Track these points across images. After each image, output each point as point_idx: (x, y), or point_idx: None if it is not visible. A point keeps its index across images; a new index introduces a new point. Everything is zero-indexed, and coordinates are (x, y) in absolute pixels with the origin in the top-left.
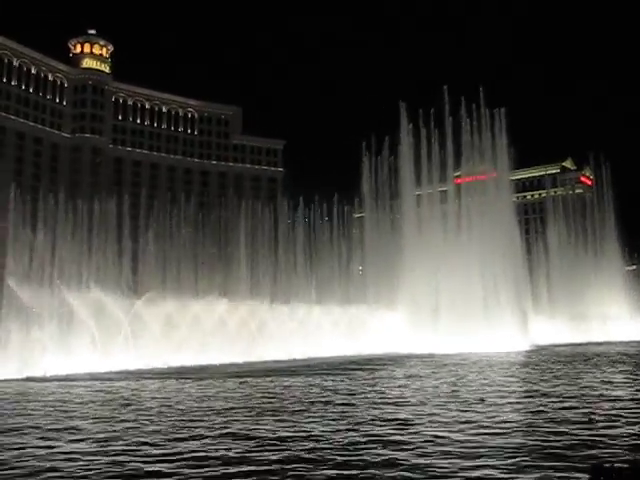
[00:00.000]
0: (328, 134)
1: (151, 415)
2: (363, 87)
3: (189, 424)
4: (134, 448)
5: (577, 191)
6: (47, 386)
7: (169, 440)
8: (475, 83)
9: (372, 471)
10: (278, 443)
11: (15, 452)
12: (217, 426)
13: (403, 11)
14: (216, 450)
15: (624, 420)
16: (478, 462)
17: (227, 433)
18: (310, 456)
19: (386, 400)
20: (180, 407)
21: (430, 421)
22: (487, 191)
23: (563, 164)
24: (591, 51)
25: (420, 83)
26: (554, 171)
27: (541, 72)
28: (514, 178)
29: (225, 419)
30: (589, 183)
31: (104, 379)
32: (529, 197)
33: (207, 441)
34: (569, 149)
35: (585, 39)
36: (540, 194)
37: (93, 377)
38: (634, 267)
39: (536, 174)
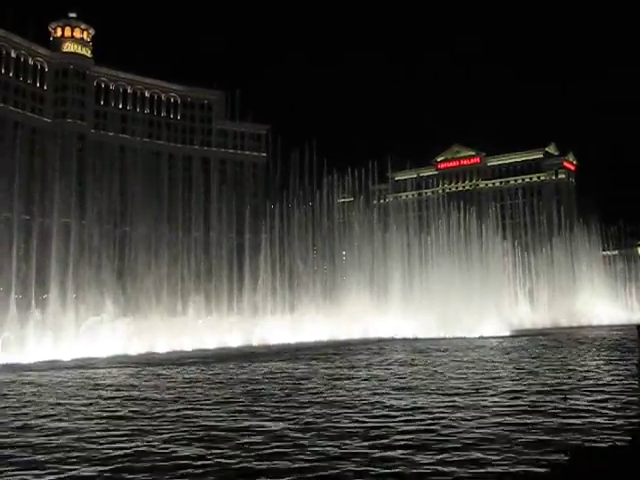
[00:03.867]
0: (314, 119)
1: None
2: (350, 71)
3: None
4: None
5: (560, 176)
6: None
7: None
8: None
9: None
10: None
11: None
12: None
13: None
14: None
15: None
16: None
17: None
18: None
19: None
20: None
21: None
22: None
23: (546, 149)
24: (577, 36)
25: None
26: (537, 156)
27: (525, 57)
28: (497, 163)
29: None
30: (572, 168)
31: None
32: (512, 182)
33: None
34: (553, 134)
35: (571, 24)
36: (523, 179)
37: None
38: (616, 252)
39: (519, 159)
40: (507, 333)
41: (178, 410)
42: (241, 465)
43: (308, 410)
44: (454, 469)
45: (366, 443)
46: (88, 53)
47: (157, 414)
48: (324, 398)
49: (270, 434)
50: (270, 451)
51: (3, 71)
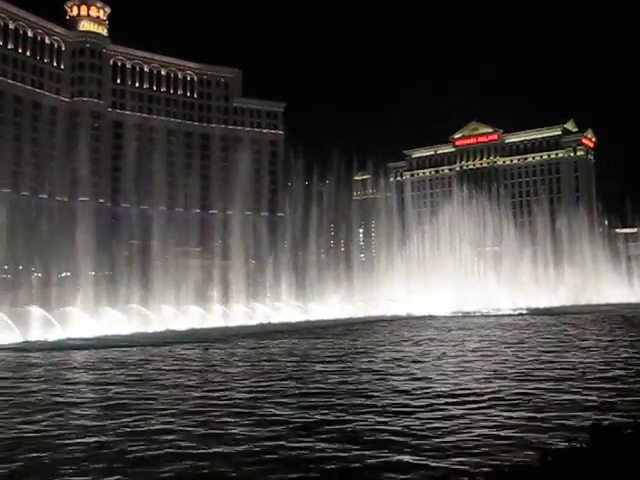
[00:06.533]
0: (331, 97)
1: None
2: (366, 48)
3: None
4: None
5: (579, 153)
6: None
7: None
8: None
9: None
10: None
11: None
12: None
13: None
14: None
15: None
16: None
17: None
18: None
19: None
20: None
21: None
22: None
23: (565, 126)
24: (596, 13)
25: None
26: (556, 133)
27: (543, 31)
28: (515, 140)
29: None
30: (591, 145)
31: None
32: (530, 159)
33: None
34: (571, 111)
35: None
36: (541, 156)
37: None
38: (635, 230)
39: (537, 136)
40: (523, 310)
41: None
42: None
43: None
44: None
45: None
46: (104, 32)
47: None
48: None
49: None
50: None
51: (20, 50)
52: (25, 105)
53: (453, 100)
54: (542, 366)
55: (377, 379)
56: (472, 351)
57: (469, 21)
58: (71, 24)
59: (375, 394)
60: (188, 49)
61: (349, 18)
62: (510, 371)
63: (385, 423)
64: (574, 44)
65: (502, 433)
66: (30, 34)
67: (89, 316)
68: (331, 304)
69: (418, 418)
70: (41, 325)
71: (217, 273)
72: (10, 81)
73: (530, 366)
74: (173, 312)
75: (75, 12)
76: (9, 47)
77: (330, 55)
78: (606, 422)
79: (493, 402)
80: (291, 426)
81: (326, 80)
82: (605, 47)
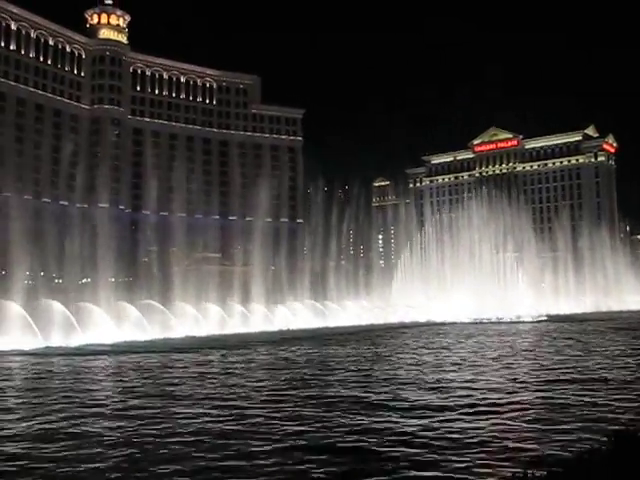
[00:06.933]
0: (349, 102)
1: None
2: (385, 55)
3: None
4: None
5: (600, 159)
6: None
7: None
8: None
9: None
10: None
11: None
12: None
13: None
14: None
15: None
16: None
17: None
18: None
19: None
20: None
21: None
22: None
23: (585, 131)
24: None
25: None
26: (576, 138)
27: (563, 39)
28: (535, 146)
29: None
30: (612, 150)
31: None
32: (550, 165)
33: None
34: (592, 116)
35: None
36: (561, 162)
37: None
38: None
39: (557, 142)
40: (544, 317)
41: None
42: None
43: None
44: None
45: None
46: (124, 39)
47: None
48: None
49: None
50: None
51: (42, 59)
52: (46, 113)
53: (470, 105)
54: (564, 373)
55: (397, 388)
56: (493, 359)
57: (486, 27)
58: (91, 32)
59: (395, 403)
60: (207, 56)
61: (357, 19)
62: (531, 379)
63: (410, 434)
64: (590, 45)
65: (524, 442)
66: (51, 42)
67: (109, 322)
68: (350, 310)
69: (449, 423)
70: (61, 329)
71: (237, 279)
72: (32, 89)
73: (552, 373)
74: (193, 317)
75: (95, 20)
76: (31, 55)
77: (340, 58)
78: (628, 429)
79: (513, 411)
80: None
81: (338, 85)
82: (627, 49)
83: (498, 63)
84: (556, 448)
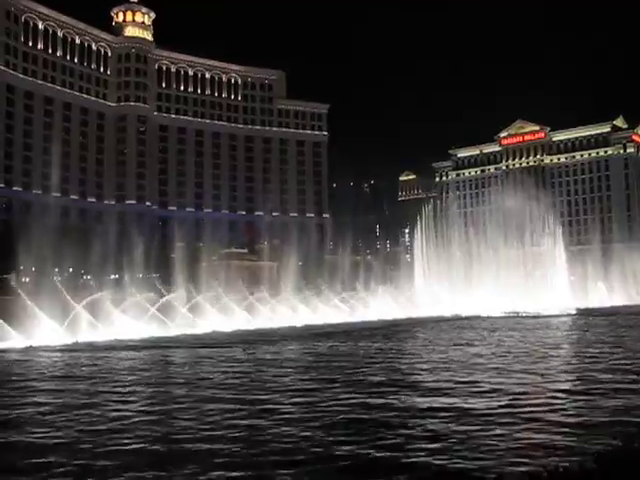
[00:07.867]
0: (374, 96)
1: None
2: (409, 49)
3: None
4: None
5: (629, 150)
6: None
7: None
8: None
9: None
10: None
11: None
12: None
13: None
14: None
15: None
16: None
17: None
18: None
19: None
20: None
21: None
22: None
23: (614, 122)
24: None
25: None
26: (604, 130)
27: (592, 27)
28: (562, 138)
29: None
30: None
31: None
32: (578, 157)
33: None
34: (621, 106)
35: None
36: (589, 154)
37: None
38: None
39: (585, 133)
40: (573, 311)
41: None
42: None
43: None
44: None
45: None
46: (149, 36)
47: None
48: None
49: None
50: None
51: (68, 57)
52: (73, 111)
53: (499, 98)
54: (594, 369)
55: (428, 388)
56: (520, 353)
57: (515, 22)
58: (117, 30)
59: (423, 400)
60: (231, 52)
61: (385, 11)
62: (559, 374)
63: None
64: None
65: (553, 437)
66: (77, 41)
67: (136, 318)
68: (376, 305)
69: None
70: (86, 327)
71: (263, 274)
72: (59, 87)
73: (582, 368)
74: (219, 313)
75: (121, 18)
76: (58, 54)
77: (366, 52)
78: None
79: (542, 407)
80: None
81: (364, 79)
82: None
83: (526, 55)
84: (585, 444)
